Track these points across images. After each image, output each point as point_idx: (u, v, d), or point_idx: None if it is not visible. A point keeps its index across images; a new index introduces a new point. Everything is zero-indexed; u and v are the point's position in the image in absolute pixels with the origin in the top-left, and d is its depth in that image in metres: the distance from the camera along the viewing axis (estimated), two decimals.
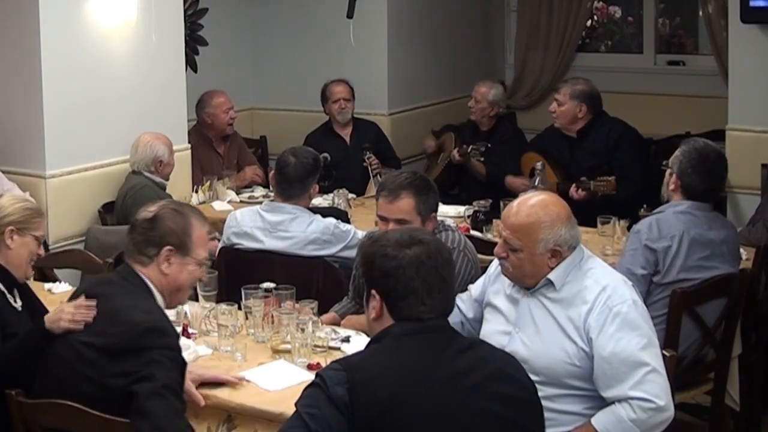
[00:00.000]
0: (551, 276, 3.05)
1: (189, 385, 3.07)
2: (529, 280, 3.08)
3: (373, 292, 2.53)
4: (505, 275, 3.16)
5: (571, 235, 3.05)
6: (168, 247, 2.96)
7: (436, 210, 3.81)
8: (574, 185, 5.51)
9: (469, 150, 6.33)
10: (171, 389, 2.71)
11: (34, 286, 4.19)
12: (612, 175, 5.47)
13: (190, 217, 3.04)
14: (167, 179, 5.39)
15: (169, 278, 2.98)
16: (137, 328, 2.76)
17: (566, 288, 3.04)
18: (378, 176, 6.12)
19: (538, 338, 3.05)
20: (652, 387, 2.89)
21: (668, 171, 4.11)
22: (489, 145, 6.30)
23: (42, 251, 3.52)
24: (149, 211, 3.04)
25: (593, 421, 2.95)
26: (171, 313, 3.72)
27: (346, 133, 6.59)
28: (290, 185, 4.50)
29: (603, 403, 2.96)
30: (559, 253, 3.04)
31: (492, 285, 3.31)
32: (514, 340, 3.09)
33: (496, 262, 3.33)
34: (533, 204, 3.07)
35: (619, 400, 2.91)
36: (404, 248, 2.50)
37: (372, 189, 6.06)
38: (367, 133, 6.60)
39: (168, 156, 5.36)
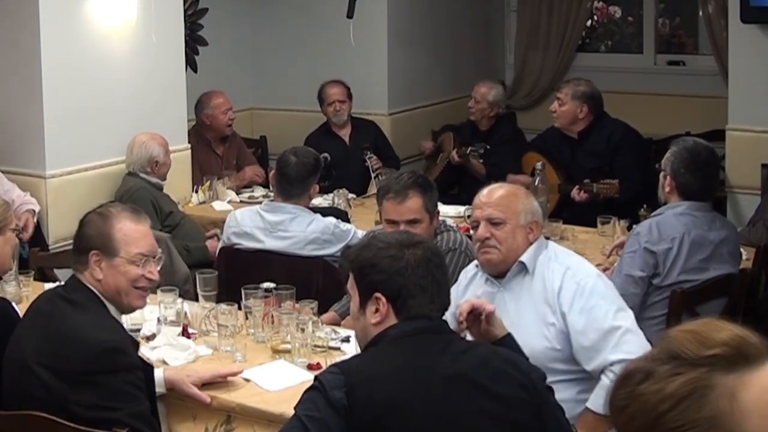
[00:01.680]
0: (524, 258, 3.16)
1: (191, 388, 3.07)
2: (512, 257, 3.18)
3: (378, 295, 2.49)
4: (488, 262, 3.21)
5: (540, 210, 3.29)
6: (93, 252, 2.89)
7: (437, 206, 3.84)
8: (576, 187, 5.51)
9: (468, 151, 6.33)
10: (142, 423, 2.70)
11: (35, 285, 4.20)
12: (614, 178, 5.46)
13: (114, 218, 2.94)
14: (164, 179, 5.38)
15: (104, 283, 2.89)
16: (93, 350, 2.70)
17: (537, 272, 3.15)
18: (379, 177, 6.12)
19: (515, 330, 3.09)
20: (628, 346, 2.97)
21: (662, 173, 4.10)
22: (488, 146, 6.29)
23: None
24: (80, 220, 3.00)
25: (589, 405, 3.00)
26: (171, 313, 3.74)
27: (344, 134, 6.58)
28: (291, 185, 4.50)
29: (594, 382, 3.00)
30: (537, 225, 3.21)
31: (464, 295, 3.32)
32: None
33: (465, 272, 3.41)
34: (500, 186, 3.34)
35: (602, 370, 2.98)
36: (408, 248, 2.52)
37: (374, 189, 6.06)
38: (367, 132, 6.60)
39: (164, 156, 5.34)
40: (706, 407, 1.22)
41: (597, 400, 2.98)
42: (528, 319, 3.12)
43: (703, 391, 1.23)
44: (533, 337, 3.07)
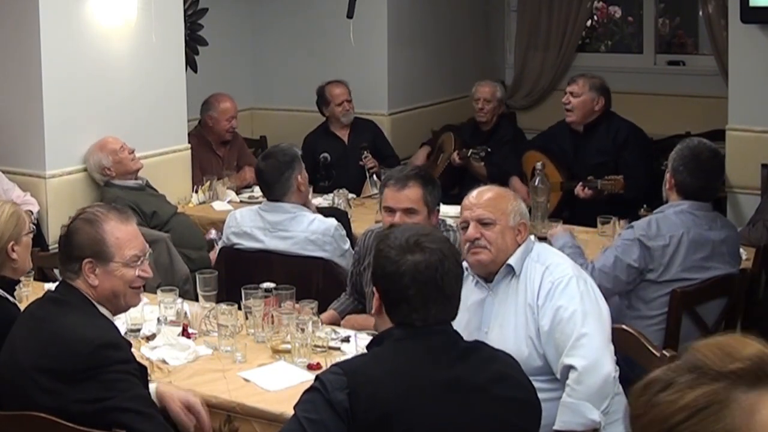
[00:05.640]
0: (511, 261, 3.18)
1: (177, 408, 2.97)
2: (501, 258, 3.19)
3: (375, 287, 2.53)
4: (478, 263, 3.22)
5: (527, 212, 3.34)
6: (87, 260, 2.86)
7: (439, 204, 3.83)
8: (580, 184, 5.50)
9: (469, 154, 6.33)
10: (140, 404, 2.71)
11: (34, 286, 4.21)
12: (618, 174, 5.45)
13: (104, 222, 2.89)
14: (136, 177, 5.26)
15: (99, 289, 2.87)
16: (88, 346, 2.71)
17: (523, 276, 3.17)
18: (375, 176, 6.12)
19: (502, 333, 3.14)
20: (580, 351, 2.97)
21: (666, 171, 4.13)
22: (489, 149, 6.28)
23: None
24: (65, 225, 2.96)
25: (556, 427, 2.98)
26: (171, 313, 3.74)
27: (343, 134, 6.56)
28: (269, 186, 4.50)
29: None
30: (525, 226, 3.23)
31: None
32: (486, 341, 3.10)
33: None
34: (489, 188, 3.38)
35: (563, 378, 2.99)
36: (406, 253, 2.44)
37: (368, 189, 6.07)
38: (365, 132, 6.59)
39: (108, 158, 5.17)
40: (721, 422, 1.18)
41: (561, 418, 2.96)
42: (513, 323, 3.14)
43: (720, 405, 1.19)
44: (517, 341, 3.09)
